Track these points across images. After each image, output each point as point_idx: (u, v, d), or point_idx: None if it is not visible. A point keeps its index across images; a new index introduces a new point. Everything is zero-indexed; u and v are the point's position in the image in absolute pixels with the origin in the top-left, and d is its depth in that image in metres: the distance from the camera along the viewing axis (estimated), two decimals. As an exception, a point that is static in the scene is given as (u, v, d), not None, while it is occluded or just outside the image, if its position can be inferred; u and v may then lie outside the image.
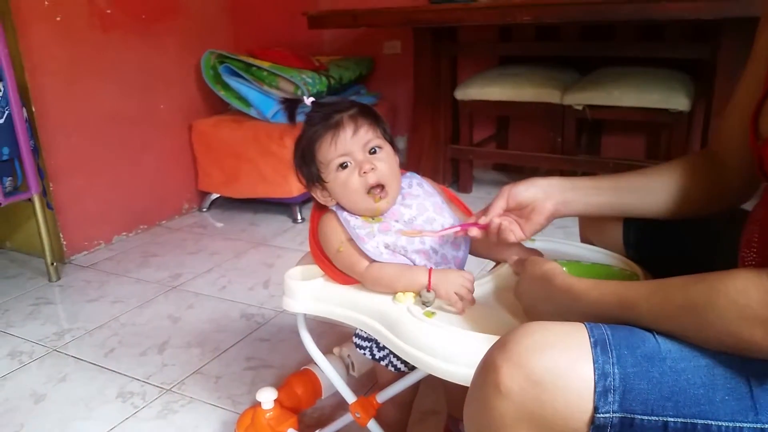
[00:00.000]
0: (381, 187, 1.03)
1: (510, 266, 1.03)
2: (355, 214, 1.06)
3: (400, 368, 1.12)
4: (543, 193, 0.99)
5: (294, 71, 2.76)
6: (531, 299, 0.89)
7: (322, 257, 1.09)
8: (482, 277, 1.06)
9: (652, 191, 0.98)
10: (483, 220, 1.00)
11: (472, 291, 0.98)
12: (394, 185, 1.05)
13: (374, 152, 1.04)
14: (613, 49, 2.82)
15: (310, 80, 2.77)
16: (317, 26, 2.78)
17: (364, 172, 1.01)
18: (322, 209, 1.11)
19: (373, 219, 1.05)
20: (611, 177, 1.02)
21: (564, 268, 0.86)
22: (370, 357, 1.15)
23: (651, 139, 3.00)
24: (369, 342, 1.14)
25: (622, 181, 1.00)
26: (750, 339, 0.62)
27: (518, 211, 1.01)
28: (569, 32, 2.88)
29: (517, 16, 2.27)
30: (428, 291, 0.98)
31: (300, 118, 1.10)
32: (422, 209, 1.07)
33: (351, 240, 1.03)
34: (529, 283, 0.90)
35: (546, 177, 1.02)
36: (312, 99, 1.07)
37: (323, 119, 1.03)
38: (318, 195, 1.08)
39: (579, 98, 2.59)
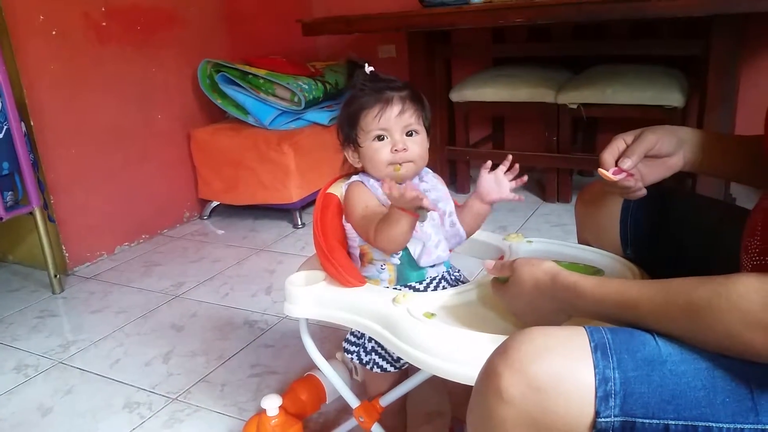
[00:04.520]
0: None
1: (488, 272, 0.98)
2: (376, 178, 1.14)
3: (385, 368, 1.14)
4: (678, 147, 1.00)
5: (290, 78, 2.77)
6: (530, 298, 0.88)
7: (324, 250, 1.12)
8: (479, 282, 1.08)
9: (745, 159, 0.99)
10: (627, 165, 0.98)
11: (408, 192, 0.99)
12: (420, 164, 1.14)
13: (411, 135, 1.12)
14: (605, 47, 2.84)
15: (306, 86, 2.78)
16: (311, 33, 2.80)
17: (396, 150, 1.09)
18: (331, 198, 1.17)
19: None
20: (721, 139, 1.03)
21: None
22: (358, 362, 1.17)
23: (646, 136, 3.01)
24: (356, 347, 1.16)
25: (731, 143, 1.02)
26: (750, 343, 0.63)
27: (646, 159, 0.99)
28: (561, 32, 2.90)
29: (510, 18, 2.29)
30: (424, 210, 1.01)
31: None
32: (435, 190, 1.17)
33: (370, 207, 1.11)
34: (528, 283, 0.88)
35: (682, 128, 1.02)
36: (371, 69, 1.15)
37: (376, 92, 1.11)
38: (349, 155, 1.17)
39: (573, 97, 2.61)
